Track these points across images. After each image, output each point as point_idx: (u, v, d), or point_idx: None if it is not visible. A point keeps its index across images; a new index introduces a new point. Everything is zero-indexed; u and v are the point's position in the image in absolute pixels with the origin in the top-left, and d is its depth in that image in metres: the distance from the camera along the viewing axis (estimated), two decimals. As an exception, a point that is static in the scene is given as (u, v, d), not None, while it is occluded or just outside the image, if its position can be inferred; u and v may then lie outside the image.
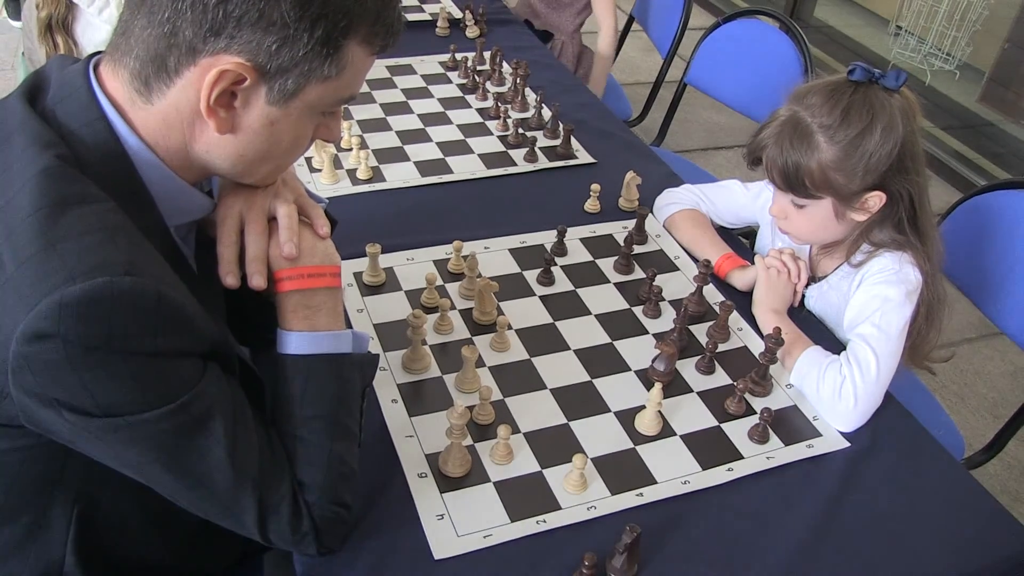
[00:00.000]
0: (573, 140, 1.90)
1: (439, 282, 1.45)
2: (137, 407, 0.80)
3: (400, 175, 1.74)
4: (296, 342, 0.97)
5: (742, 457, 1.20)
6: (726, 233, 1.63)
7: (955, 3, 4.15)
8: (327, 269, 0.99)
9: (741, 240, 1.68)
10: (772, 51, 2.40)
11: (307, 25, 0.82)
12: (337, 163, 1.74)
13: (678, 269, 1.56)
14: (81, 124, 0.86)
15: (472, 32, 2.37)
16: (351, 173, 1.73)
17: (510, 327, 1.37)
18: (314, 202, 1.03)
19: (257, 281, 0.95)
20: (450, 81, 2.14)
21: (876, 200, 1.31)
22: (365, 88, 2.05)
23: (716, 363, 1.35)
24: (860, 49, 4.48)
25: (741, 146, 2.43)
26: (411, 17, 2.46)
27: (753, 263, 1.54)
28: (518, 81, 2.04)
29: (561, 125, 1.90)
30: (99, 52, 0.91)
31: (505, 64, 2.19)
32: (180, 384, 0.82)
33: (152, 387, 0.80)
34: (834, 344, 1.40)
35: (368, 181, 1.71)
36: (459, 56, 2.20)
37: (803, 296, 1.49)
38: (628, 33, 3.09)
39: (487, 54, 2.22)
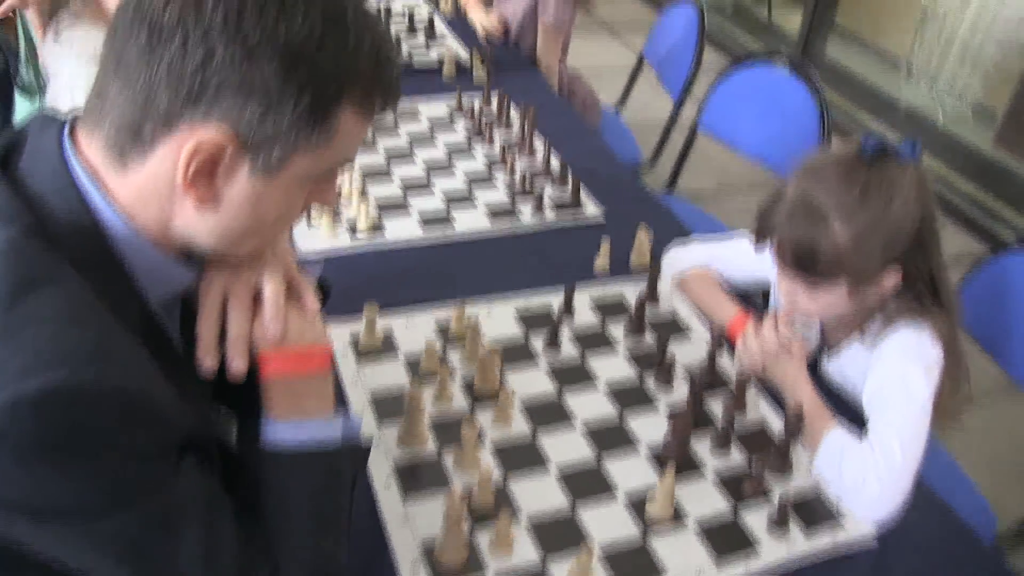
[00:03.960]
0: (582, 191, 1.83)
1: (439, 348, 1.37)
2: (99, 510, 0.72)
3: (402, 229, 1.68)
4: (281, 431, 0.89)
5: (760, 548, 1.12)
6: (739, 292, 1.56)
7: (966, 43, 4.10)
8: (316, 351, 0.91)
9: (754, 300, 1.60)
10: (786, 98, 2.34)
11: (293, 92, 0.75)
12: (337, 215, 1.68)
13: (691, 333, 1.48)
14: (52, 191, 0.79)
15: (479, 75, 2.31)
16: (351, 225, 1.66)
17: (513, 398, 1.30)
18: (304, 276, 0.95)
19: (238, 364, 0.88)
20: (457, 127, 2.08)
21: (892, 278, 1.25)
22: (367, 135, 1.99)
23: (732, 439, 1.27)
24: (872, 90, 4.43)
25: (755, 190, 2.36)
26: (417, 61, 2.41)
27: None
28: (526, 128, 1.98)
29: (570, 175, 1.84)
30: (77, 114, 0.84)
31: (513, 109, 2.13)
32: (147, 483, 0.75)
33: (115, 488, 0.72)
34: (858, 417, 1.31)
35: (368, 234, 1.64)
36: (466, 100, 2.14)
37: (817, 361, 1.42)
38: (639, 73, 3.03)
39: (495, 98, 2.15)
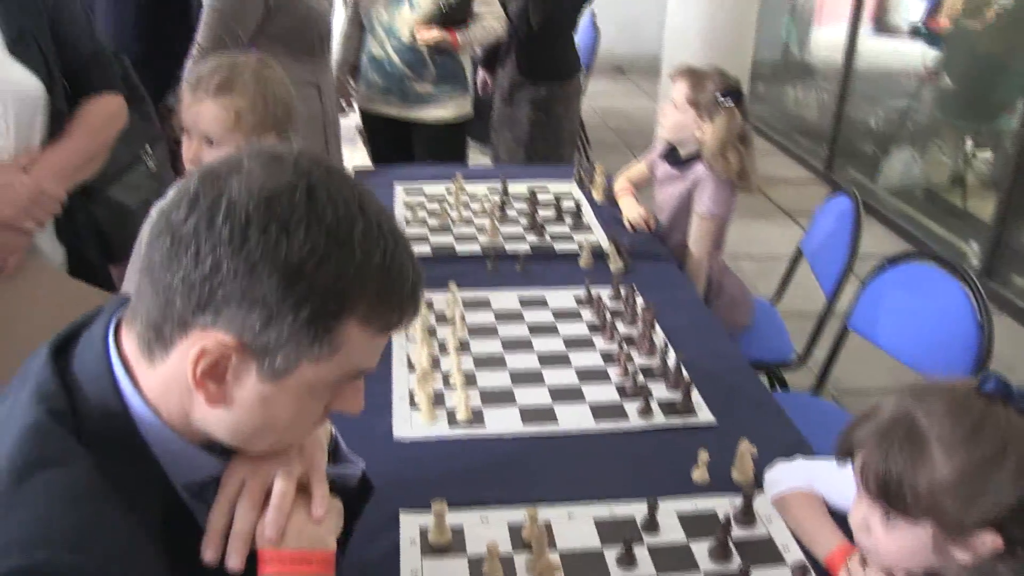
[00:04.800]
0: (695, 395, 1.77)
1: (506, 550, 1.34)
2: None
3: (501, 422, 1.68)
4: None
5: None
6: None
7: None
8: (314, 555, 0.92)
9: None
10: (943, 303, 2.19)
11: (291, 306, 0.79)
12: (439, 400, 1.71)
13: (786, 564, 1.36)
14: (90, 377, 0.87)
15: (615, 265, 2.34)
16: (451, 413, 1.69)
17: (571, 617, 1.24)
18: (322, 477, 0.97)
19: (233, 562, 0.90)
20: (581, 318, 2.09)
21: (989, 543, 1.09)
22: (490, 320, 2.04)
23: None
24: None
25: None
26: (558, 248, 2.48)
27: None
28: (646, 324, 1.96)
29: (684, 377, 1.79)
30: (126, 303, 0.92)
31: (640, 301, 2.13)
32: None
33: None
34: None
35: (466, 424, 1.66)
36: (596, 291, 2.16)
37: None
38: (797, 265, 2.96)
39: (624, 290, 2.16)
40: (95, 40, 1.87)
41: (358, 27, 3.50)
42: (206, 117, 1.73)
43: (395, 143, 3.59)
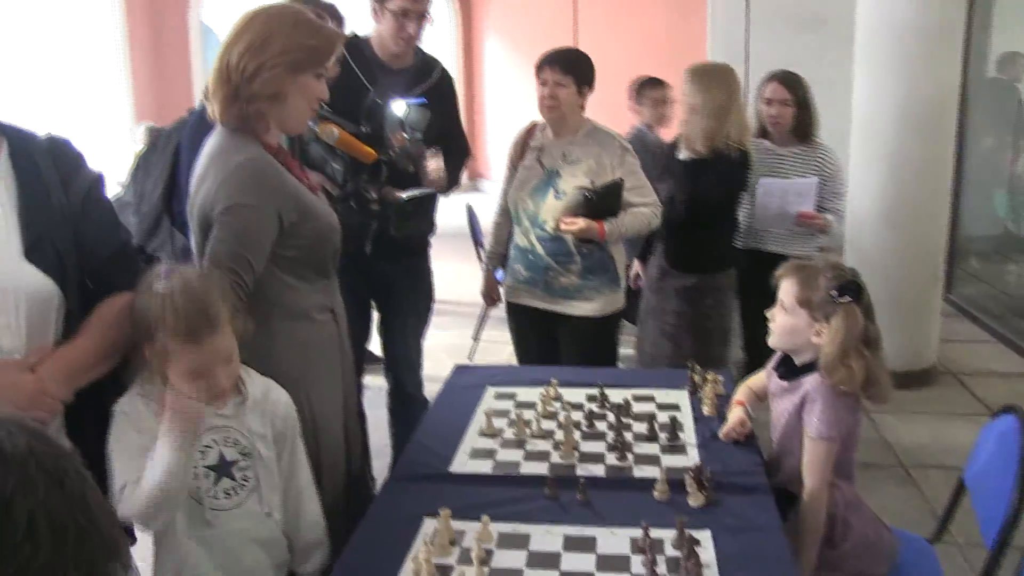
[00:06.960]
0: None
1: None
2: None
3: None
4: None
5: None
6: None
7: None
8: None
9: None
10: None
11: None
12: None
13: None
14: None
15: (695, 500, 1.96)
16: None
17: None
18: None
19: None
20: (629, 570, 1.73)
21: None
22: (520, 564, 1.73)
23: None
24: None
25: None
26: (638, 473, 2.13)
27: None
28: (695, 590, 1.59)
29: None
30: None
31: (708, 555, 1.74)
32: None
33: None
34: None
35: None
36: (658, 534, 1.80)
37: None
38: (960, 499, 2.41)
39: (688, 537, 1.79)
40: (118, 239, 1.88)
41: (508, 217, 3.44)
42: (225, 343, 1.75)
43: (542, 337, 3.41)
